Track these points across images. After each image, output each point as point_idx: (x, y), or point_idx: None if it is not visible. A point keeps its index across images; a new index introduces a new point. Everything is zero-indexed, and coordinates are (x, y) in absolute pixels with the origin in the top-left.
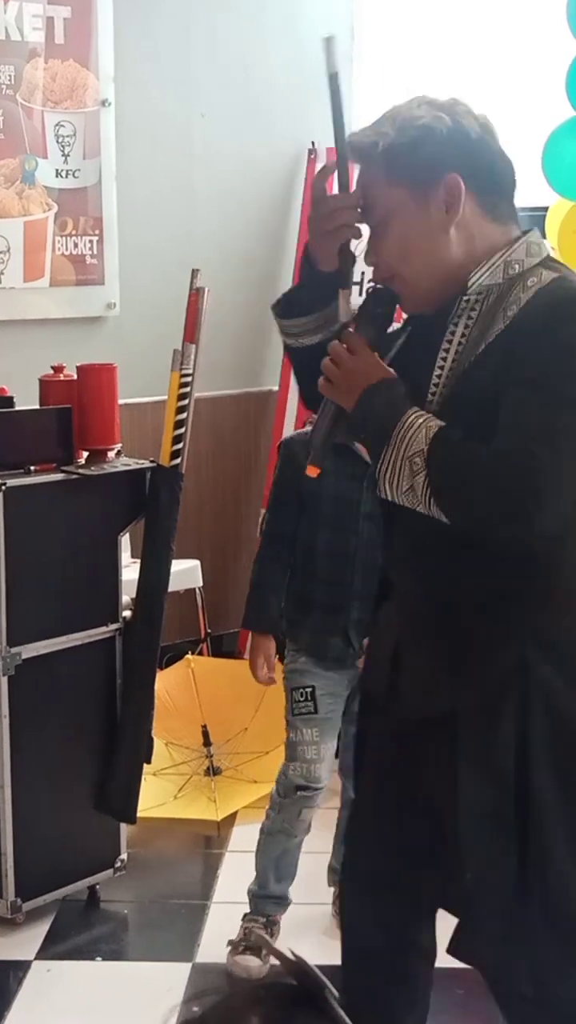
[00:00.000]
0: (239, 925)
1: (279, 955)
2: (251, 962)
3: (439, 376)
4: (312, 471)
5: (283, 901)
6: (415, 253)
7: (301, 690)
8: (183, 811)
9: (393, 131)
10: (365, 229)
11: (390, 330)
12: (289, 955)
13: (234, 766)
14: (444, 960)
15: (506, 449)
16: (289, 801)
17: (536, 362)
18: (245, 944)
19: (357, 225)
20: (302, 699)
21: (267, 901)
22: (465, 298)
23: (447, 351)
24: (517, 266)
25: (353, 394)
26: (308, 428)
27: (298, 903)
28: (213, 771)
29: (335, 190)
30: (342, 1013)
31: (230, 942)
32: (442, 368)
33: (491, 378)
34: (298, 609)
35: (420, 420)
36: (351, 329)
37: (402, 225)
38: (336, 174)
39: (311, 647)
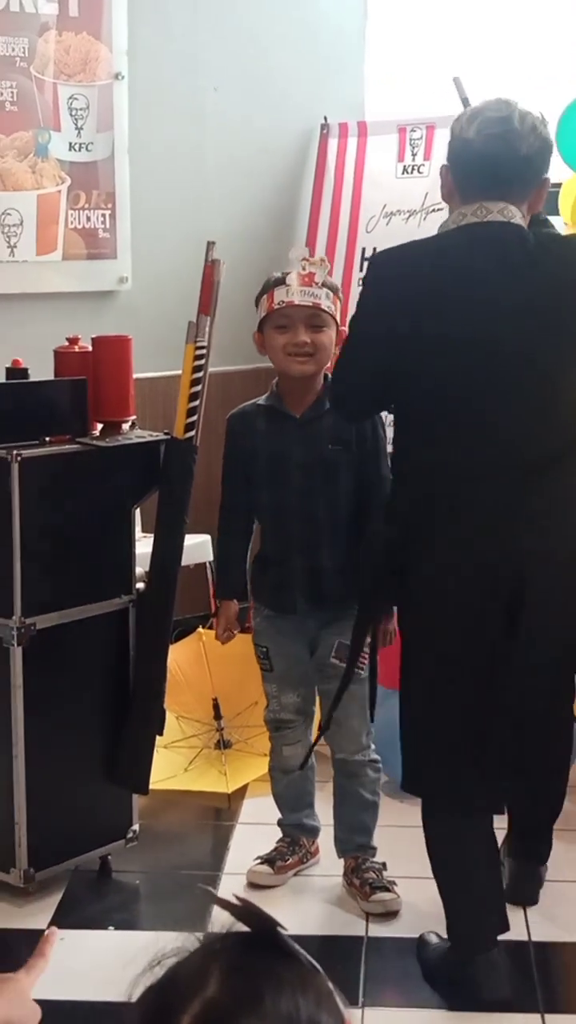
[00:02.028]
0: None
1: (224, 903)
2: (263, 869)
3: None
4: None
5: (304, 828)
6: None
7: (259, 647)
8: (194, 783)
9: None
10: None
11: None
12: (234, 900)
13: (244, 739)
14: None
15: None
16: (273, 736)
17: None
18: (264, 857)
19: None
20: (261, 656)
21: (288, 827)
22: None
23: None
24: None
25: None
26: (253, 401)
27: (308, 875)
28: (223, 744)
29: None
30: (296, 946)
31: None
32: None
33: None
34: (258, 568)
35: None
36: None
37: None
38: None
39: (271, 601)
